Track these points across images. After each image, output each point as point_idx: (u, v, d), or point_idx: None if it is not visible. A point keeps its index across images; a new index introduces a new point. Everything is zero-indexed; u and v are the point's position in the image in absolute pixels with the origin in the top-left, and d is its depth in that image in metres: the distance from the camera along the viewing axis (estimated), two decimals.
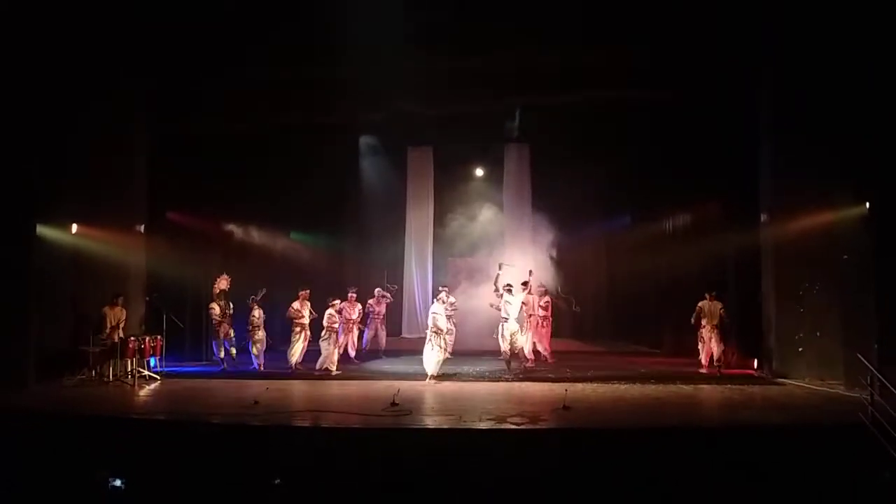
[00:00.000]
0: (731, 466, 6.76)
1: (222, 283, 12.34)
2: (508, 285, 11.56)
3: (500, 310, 11.43)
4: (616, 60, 11.24)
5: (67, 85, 10.37)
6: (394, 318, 16.32)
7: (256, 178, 14.35)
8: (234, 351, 12.18)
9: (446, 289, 12.38)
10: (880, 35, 8.94)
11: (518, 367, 11.52)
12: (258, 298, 12.25)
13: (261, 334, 12.12)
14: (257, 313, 12.19)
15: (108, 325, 10.83)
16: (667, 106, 12.35)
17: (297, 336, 11.71)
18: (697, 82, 11.41)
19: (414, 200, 17.98)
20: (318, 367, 11.55)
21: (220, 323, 12.10)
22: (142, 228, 12.03)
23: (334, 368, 11.45)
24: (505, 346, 11.35)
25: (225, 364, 12.07)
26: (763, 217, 10.93)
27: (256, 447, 7.18)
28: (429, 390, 9.93)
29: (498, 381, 10.65)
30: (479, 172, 17.99)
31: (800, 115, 10.14)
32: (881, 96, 8.86)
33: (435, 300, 11.59)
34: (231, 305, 12.32)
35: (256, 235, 15.30)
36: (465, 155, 17.14)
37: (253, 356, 12.10)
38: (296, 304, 11.85)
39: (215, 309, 12.16)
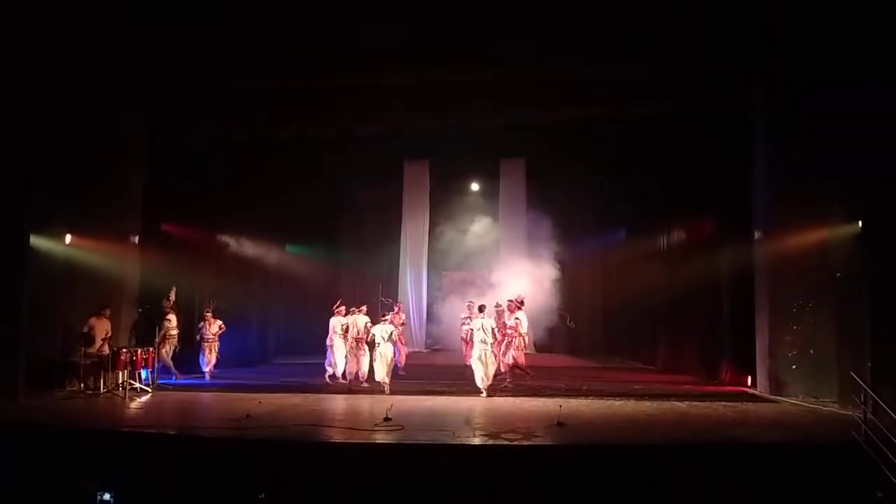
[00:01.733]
0: (725, 484, 6.75)
1: (172, 296, 12.10)
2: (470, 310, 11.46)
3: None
4: (613, 75, 11.37)
5: (63, 93, 10.35)
6: None
7: (252, 190, 14.42)
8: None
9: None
10: (874, 55, 9.04)
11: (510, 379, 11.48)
12: (211, 309, 12.22)
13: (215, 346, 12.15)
14: (216, 327, 12.17)
15: (98, 337, 10.78)
16: (662, 122, 12.47)
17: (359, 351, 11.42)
18: (693, 98, 11.51)
19: (410, 213, 18.04)
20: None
21: (172, 336, 11.94)
22: (136, 239, 12.01)
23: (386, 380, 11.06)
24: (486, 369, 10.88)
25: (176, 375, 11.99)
26: (757, 234, 10.98)
27: (245, 461, 7.13)
28: (422, 405, 9.90)
29: (493, 395, 10.64)
30: (475, 186, 18.08)
31: (794, 133, 10.20)
32: (875, 115, 8.93)
33: (479, 316, 10.98)
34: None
35: (252, 247, 15.33)
36: (461, 168, 17.25)
37: (204, 365, 12.10)
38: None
39: (172, 321, 11.95)
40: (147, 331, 11.57)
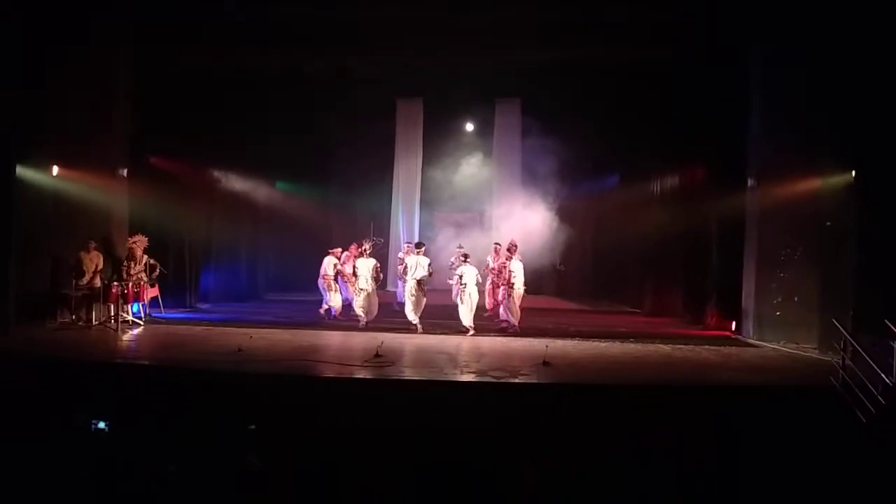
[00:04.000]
0: (705, 425, 6.93)
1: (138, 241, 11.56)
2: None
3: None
4: (614, 18, 11.08)
5: (47, 15, 9.96)
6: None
7: (242, 125, 14.14)
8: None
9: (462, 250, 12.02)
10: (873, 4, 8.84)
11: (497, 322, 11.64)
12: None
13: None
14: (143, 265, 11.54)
15: (87, 271, 10.74)
16: (660, 67, 12.27)
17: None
18: (692, 44, 11.34)
19: (403, 152, 17.81)
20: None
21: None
22: (124, 172, 11.81)
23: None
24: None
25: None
26: (750, 182, 10.95)
27: (236, 394, 7.24)
28: (411, 343, 10.06)
29: (484, 335, 10.80)
30: (470, 126, 17.82)
31: (790, 81, 10.09)
32: (871, 63, 8.79)
33: (463, 262, 11.26)
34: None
35: (241, 183, 15.15)
36: (456, 108, 16.94)
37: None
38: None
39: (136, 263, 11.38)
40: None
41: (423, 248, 11.48)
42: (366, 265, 11.39)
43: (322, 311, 12.09)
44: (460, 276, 11.08)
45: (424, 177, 17.66)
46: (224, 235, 14.56)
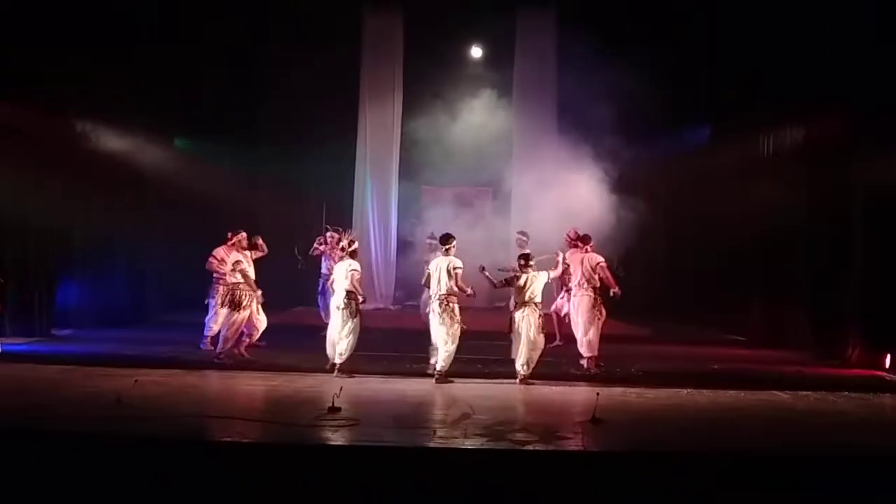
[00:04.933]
0: None
1: None
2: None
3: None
4: None
5: None
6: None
7: (126, 52, 14.18)
8: None
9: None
10: None
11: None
12: None
13: None
14: None
15: None
16: None
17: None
18: None
19: (372, 95, 17.91)
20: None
21: None
22: None
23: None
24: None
25: None
26: None
27: (113, 470, 7.25)
28: (386, 390, 10.12)
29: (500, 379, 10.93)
30: (477, 52, 17.86)
31: None
32: None
33: (525, 266, 11.10)
34: None
35: (121, 141, 15.17)
36: (454, 22, 16.98)
37: None
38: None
39: None
40: None
41: (452, 243, 11.07)
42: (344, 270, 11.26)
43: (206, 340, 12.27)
44: (524, 289, 10.87)
45: (406, 131, 17.70)
46: (93, 223, 14.60)
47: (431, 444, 7.73)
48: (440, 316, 10.75)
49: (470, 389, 10.35)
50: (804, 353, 13.25)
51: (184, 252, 16.96)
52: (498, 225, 15.49)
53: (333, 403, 8.61)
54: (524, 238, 12.81)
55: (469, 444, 7.76)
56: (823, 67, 12.85)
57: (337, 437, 7.88)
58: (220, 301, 12.03)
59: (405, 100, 17.88)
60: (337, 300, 11.07)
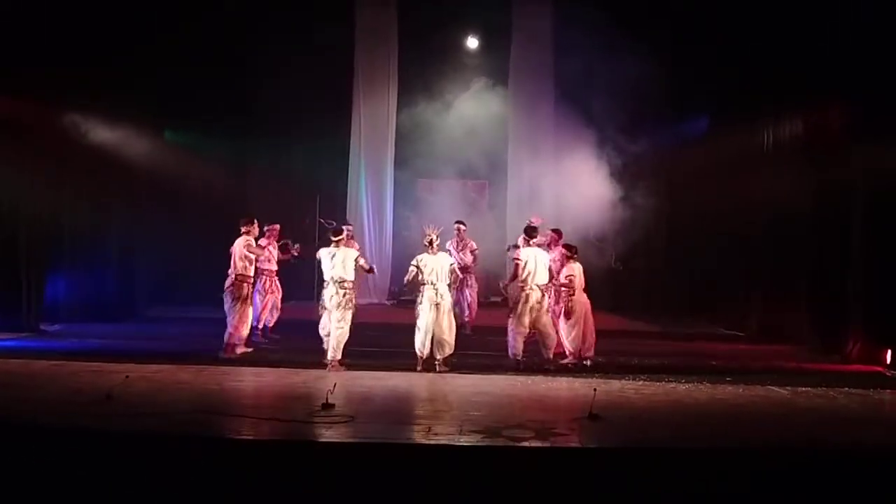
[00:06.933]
0: None
1: None
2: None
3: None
4: None
5: None
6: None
7: (116, 44, 14.15)
8: None
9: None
10: None
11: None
12: None
13: None
14: None
15: None
16: None
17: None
18: None
19: (367, 86, 17.88)
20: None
21: None
22: None
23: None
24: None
25: None
26: None
27: (103, 467, 7.23)
28: (380, 387, 10.09)
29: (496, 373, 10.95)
30: (473, 43, 17.85)
31: None
32: None
33: (571, 258, 11.71)
34: None
35: (111, 133, 15.14)
36: (449, 15, 16.97)
37: None
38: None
39: None
40: None
41: (463, 232, 11.80)
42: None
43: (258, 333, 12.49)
44: (569, 282, 11.45)
45: (400, 122, 17.68)
46: (83, 216, 14.60)
47: (426, 441, 7.74)
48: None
49: (466, 385, 10.35)
50: (804, 348, 13.25)
51: (173, 244, 16.99)
52: (491, 218, 15.45)
53: (327, 400, 8.60)
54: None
55: (464, 440, 7.76)
56: (824, 58, 12.84)
57: (331, 434, 7.87)
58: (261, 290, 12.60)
59: (400, 89, 17.86)
60: (331, 290, 11.09)
